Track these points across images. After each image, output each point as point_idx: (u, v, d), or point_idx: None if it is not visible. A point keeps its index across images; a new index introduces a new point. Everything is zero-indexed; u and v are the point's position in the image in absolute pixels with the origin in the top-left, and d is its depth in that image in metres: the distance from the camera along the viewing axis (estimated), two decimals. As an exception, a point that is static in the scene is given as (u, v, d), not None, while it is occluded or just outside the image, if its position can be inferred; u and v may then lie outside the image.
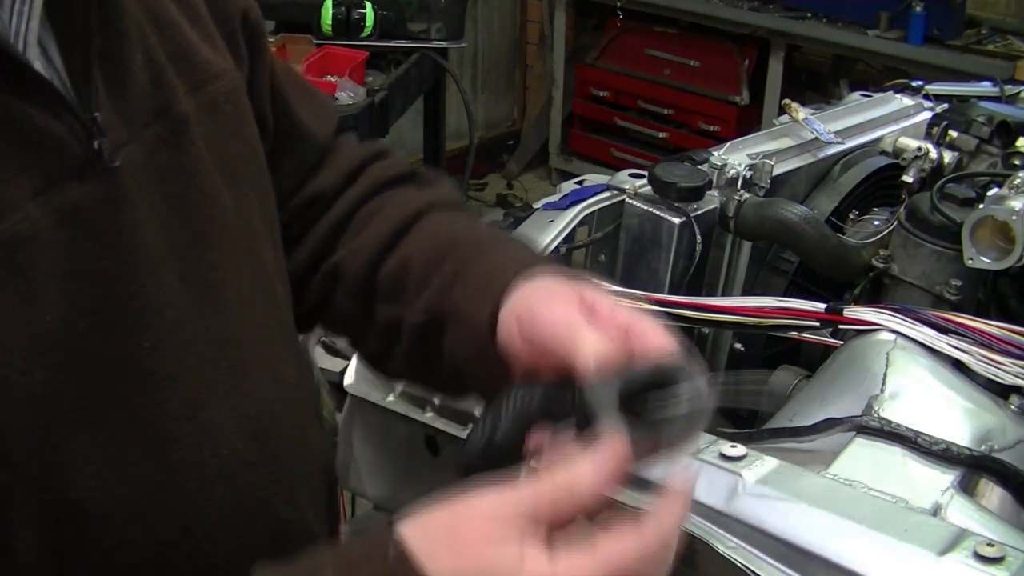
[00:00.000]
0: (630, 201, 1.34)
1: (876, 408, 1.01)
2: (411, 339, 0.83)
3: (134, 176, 0.66)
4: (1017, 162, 1.44)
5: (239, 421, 0.72)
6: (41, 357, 0.59)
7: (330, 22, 2.64)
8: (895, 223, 1.34)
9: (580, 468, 0.59)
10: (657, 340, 0.67)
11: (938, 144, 1.50)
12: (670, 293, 1.28)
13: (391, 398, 1.13)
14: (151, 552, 0.66)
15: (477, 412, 1.13)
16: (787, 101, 1.61)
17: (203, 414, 0.69)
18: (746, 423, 1.38)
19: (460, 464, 0.69)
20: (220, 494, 0.70)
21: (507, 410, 0.68)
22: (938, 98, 1.76)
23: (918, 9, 3.50)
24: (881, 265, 1.33)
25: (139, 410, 0.65)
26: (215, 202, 0.73)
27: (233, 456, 0.71)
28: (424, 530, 0.58)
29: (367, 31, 2.67)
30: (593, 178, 1.41)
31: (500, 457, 0.66)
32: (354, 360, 1.18)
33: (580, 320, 0.69)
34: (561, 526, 0.59)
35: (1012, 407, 1.05)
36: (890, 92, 1.80)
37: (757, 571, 0.82)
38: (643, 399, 0.64)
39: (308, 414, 0.85)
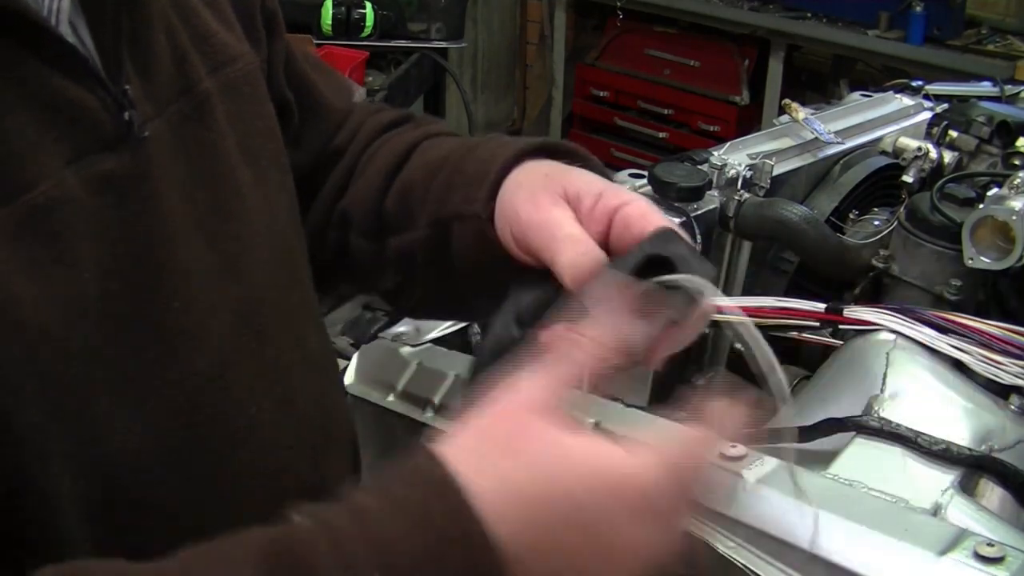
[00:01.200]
0: (630, 201, 1.34)
1: (876, 408, 1.01)
2: (424, 259, 0.85)
3: (161, 148, 0.69)
4: (1017, 162, 1.44)
5: (264, 384, 0.74)
6: (80, 315, 0.61)
7: (330, 22, 2.65)
8: (895, 223, 1.34)
9: (585, 334, 0.59)
10: (645, 223, 0.69)
11: (938, 144, 1.50)
12: (670, 293, 1.28)
13: (391, 398, 1.13)
14: (180, 505, 0.68)
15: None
16: (787, 101, 1.61)
17: (229, 374, 0.71)
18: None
19: (472, 366, 0.69)
20: (245, 453, 0.72)
21: (515, 308, 0.68)
22: (938, 98, 1.76)
23: (918, 9, 3.50)
24: (881, 265, 1.34)
25: (168, 369, 0.67)
26: (236, 176, 0.76)
27: (259, 415, 0.73)
28: (465, 431, 0.56)
29: (367, 31, 2.67)
30: (593, 178, 1.41)
31: (512, 354, 0.64)
32: (354, 360, 1.18)
33: (562, 219, 0.71)
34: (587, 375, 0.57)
35: (1012, 407, 1.05)
36: (890, 92, 1.80)
37: (757, 571, 0.82)
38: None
39: (331, 384, 0.87)
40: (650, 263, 0.66)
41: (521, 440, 0.53)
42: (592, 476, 0.52)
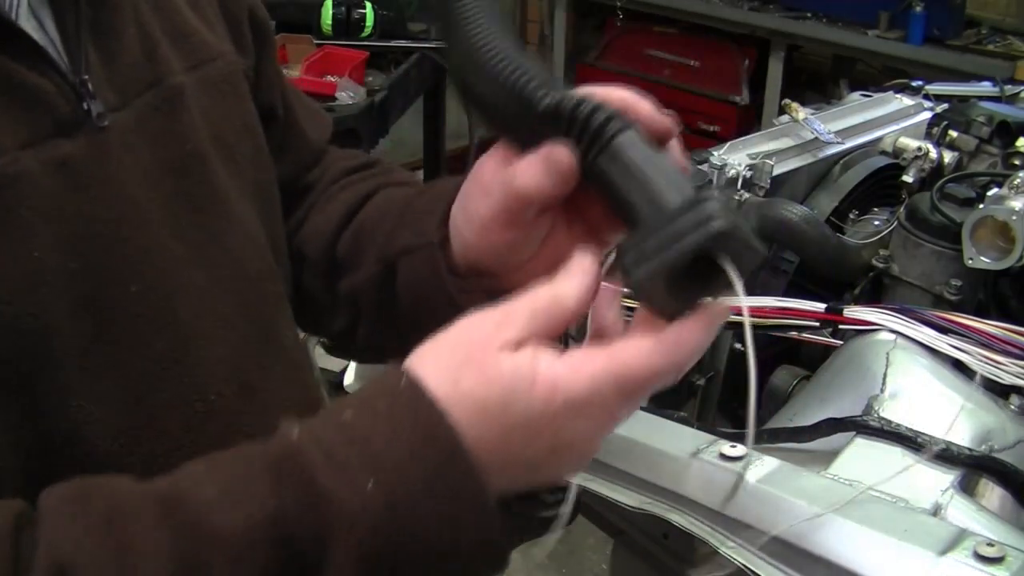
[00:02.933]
0: (630, 201, 1.34)
1: (876, 408, 1.01)
2: (370, 299, 0.85)
3: (124, 137, 0.70)
4: (1017, 162, 1.44)
5: (226, 370, 0.74)
6: (32, 291, 0.62)
7: (330, 22, 2.65)
8: (895, 223, 1.35)
9: (561, 281, 0.61)
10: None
11: (938, 144, 1.50)
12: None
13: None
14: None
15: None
16: (787, 101, 1.61)
17: (189, 359, 0.72)
18: (746, 423, 1.38)
19: None
20: (202, 437, 0.72)
21: None
22: (938, 98, 1.76)
23: (918, 9, 3.50)
24: (881, 265, 1.34)
25: (125, 350, 0.68)
26: (206, 167, 0.76)
27: (220, 401, 0.74)
28: (433, 354, 0.60)
29: (367, 31, 2.67)
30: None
31: None
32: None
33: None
34: (554, 336, 0.60)
35: (1012, 407, 1.05)
36: (890, 92, 1.80)
37: (757, 571, 0.82)
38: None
39: (300, 376, 0.87)
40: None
41: (478, 359, 0.58)
42: (539, 391, 0.57)
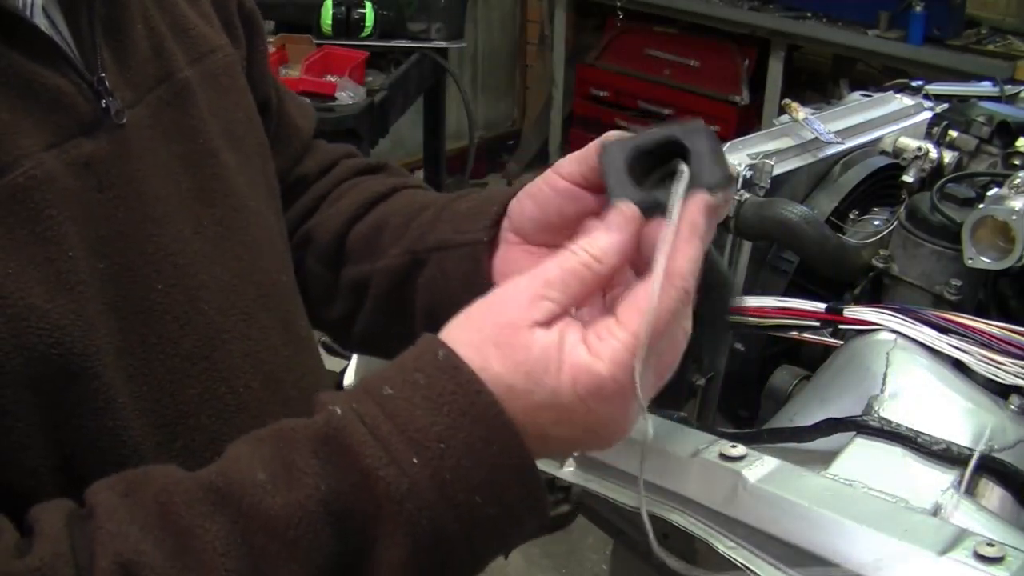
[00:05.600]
0: (630, 201, 1.34)
1: (876, 408, 1.01)
2: (382, 289, 0.86)
3: (141, 133, 0.70)
4: (1017, 162, 1.44)
5: (252, 363, 0.76)
6: (69, 291, 0.62)
7: (330, 22, 2.64)
8: (895, 223, 1.34)
9: (596, 242, 0.61)
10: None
11: (938, 144, 1.50)
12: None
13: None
14: None
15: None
16: (787, 101, 1.61)
17: (216, 354, 0.73)
18: (746, 423, 1.38)
19: None
20: (237, 430, 0.72)
21: None
22: (938, 98, 1.76)
23: (918, 9, 3.50)
24: (881, 265, 1.33)
25: (154, 349, 0.69)
26: (218, 160, 0.77)
27: (248, 394, 0.75)
28: (465, 330, 0.60)
29: (367, 31, 2.67)
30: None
31: None
32: (354, 360, 1.18)
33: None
34: (586, 299, 0.61)
35: (1012, 407, 1.05)
36: (890, 92, 1.80)
37: (757, 571, 0.82)
38: (652, 167, 0.65)
39: (315, 364, 0.88)
40: (663, 148, 0.65)
41: (506, 341, 0.59)
42: (565, 376, 0.58)
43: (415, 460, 0.56)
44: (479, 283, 0.77)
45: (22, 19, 0.62)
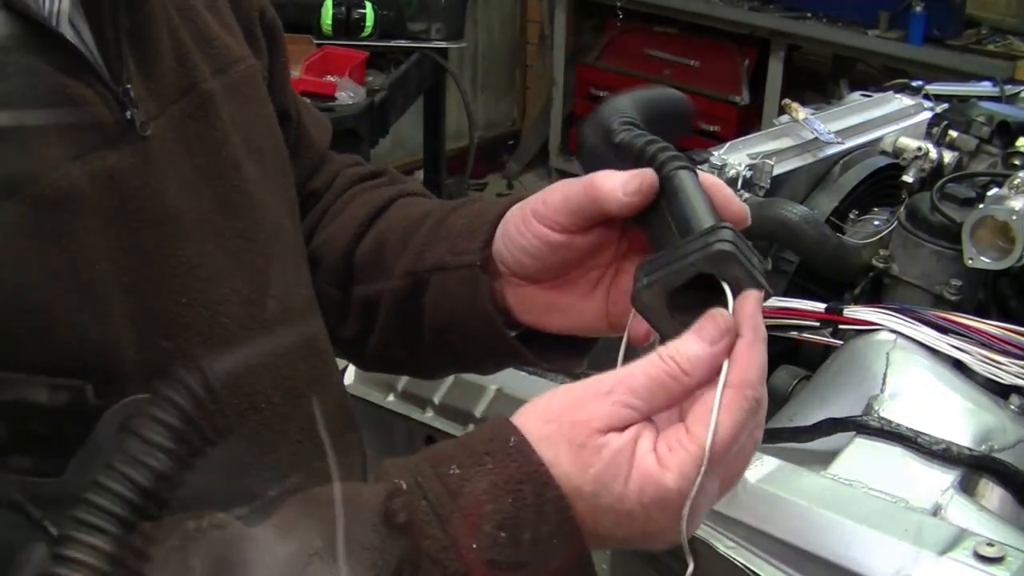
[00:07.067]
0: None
1: (876, 408, 1.01)
2: (390, 310, 0.85)
3: (164, 146, 0.69)
4: (1017, 162, 1.44)
5: (272, 377, 0.75)
6: (96, 304, 0.62)
7: (330, 22, 2.64)
8: (895, 223, 1.34)
9: (687, 352, 0.59)
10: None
11: (938, 144, 1.50)
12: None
13: (391, 398, 1.13)
14: (189, 501, 0.68)
15: (476, 412, 1.13)
16: (787, 101, 1.61)
17: (238, 370, 0.72)
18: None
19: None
20: (257, 444, 0.73)
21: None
22: (938, 98, 1.76)
23: (918, 9, 3.50)
24: (881, 265, 1.33)
25: (175, 361, 0.67)
26: (240, 173, 0.76)
27: (270, 409, 0.74)
28: (538, 421, 0.60)
29: (367, 31, 2.67)
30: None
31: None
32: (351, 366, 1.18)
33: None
34: (672, 407, 0.60)
35: (1012, 407, 1.05)
36: (890, 92, 1.80)
37: (757, 571, 0.82)
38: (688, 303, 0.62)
39: (335, 377, 0.88)
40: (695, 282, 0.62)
41: (579, 441, 0.58)
42: (632, 485, 0.58)
43: (474, 546, 0.56)
44: (480, 304, 0.77)
45: (48, 28, 0.62)
